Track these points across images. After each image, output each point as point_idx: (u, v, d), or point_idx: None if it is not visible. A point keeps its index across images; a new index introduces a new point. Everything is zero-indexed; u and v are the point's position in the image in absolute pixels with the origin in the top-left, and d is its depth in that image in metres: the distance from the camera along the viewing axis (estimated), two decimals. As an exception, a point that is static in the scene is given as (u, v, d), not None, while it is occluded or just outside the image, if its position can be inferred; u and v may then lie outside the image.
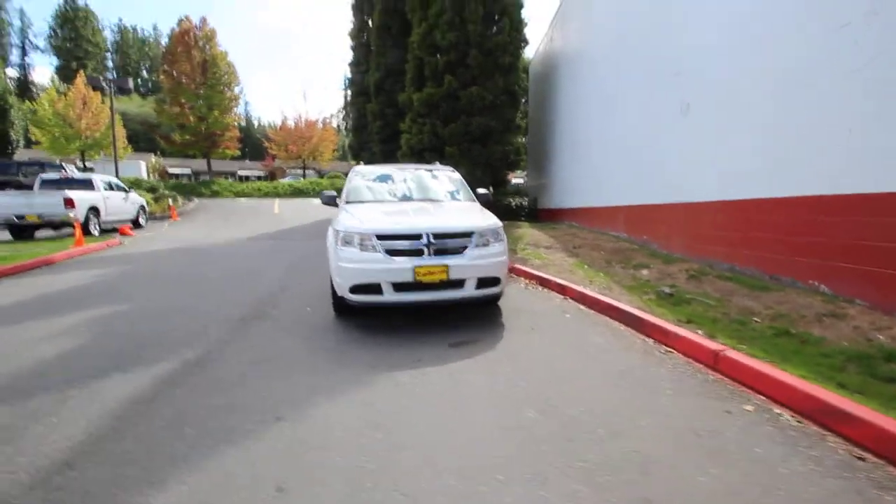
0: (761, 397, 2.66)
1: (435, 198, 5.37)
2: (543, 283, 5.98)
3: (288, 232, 14.46)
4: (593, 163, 10.47)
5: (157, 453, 2.17)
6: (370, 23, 19.28)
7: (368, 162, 20.42)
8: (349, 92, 22.13)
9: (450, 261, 4.08)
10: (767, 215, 5.07)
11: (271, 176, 45.80)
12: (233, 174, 47.45)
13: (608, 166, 9.49)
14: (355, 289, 4.05)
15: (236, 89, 29.48)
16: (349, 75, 22.99)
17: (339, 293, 4.23)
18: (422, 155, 13.64)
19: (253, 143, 53.72)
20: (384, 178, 5.71)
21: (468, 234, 4.22)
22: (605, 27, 9.84)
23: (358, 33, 20.35)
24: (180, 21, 28.06)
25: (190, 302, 5.30)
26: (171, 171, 43.43)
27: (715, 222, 5.98)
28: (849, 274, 4.08)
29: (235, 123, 30.77)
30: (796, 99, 4.69)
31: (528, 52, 16.38)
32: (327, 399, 2.73)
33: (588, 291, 5.07)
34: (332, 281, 4.45)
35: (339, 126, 50.86)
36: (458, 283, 4.10)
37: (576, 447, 2.13)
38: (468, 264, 4.12)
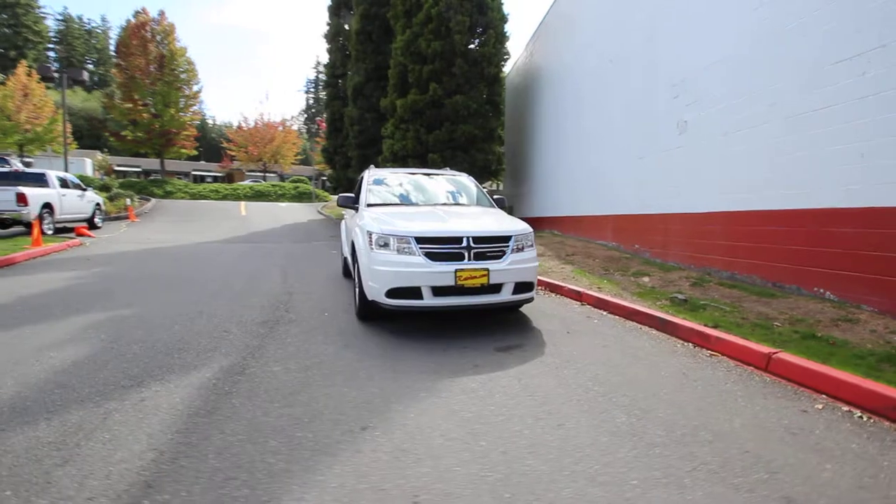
0: (823, 396, 2.79)
1: (458, 202, 5.32)
2: (555, 289, 6.05)
3: (262, 235, 13.89)
4: (577, 174, 10.78)
5: (253, 469, 1.98)
6: (347, 27, 19.04)
7: (343, 167, 20.08)
8: (324, 94, 21.65)
9: (490, 265, 4.04)
10: (771, 226, 5.38)
11: (229, 178, 44.01)
12: (186, 174, 45.17)
13: (598, 178, 9.79)
14: (393, 292, 3.92)
15: (195, 87, 28.18)
16: (312, 77, 22.53)
17: (371, 297, 4.08)
18: (405, 161, 13.56)
19: (208, 144, 51.42)
20: (402, 182, 5.61)
21: (506, 239, 4.20)
22: (594, 46, 10.19)
23: (334, 37, 20.02)
24: (136, 14, 26.56)
25: (195, 306, 4.94)
26: (118, 168, 40.80)
27: (714, 232, 6.28)
28: (855, 281, 4.39)
29: (193, 122, 29.35)
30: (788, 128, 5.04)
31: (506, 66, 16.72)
32: (408, 407, 2.60)
33: (608, 297, 5.17)
34: (358, 285, 4.29)
35: (300, 129, 49.70)
36: (497, 288, 4.07)
37: (690, 450, 2.13)
38: (507, 269, 4.10)
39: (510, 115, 15.78)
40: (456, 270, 3.92)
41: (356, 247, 4.48)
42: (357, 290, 4.50)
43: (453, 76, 13.23)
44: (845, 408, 2.63)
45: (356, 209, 5.17)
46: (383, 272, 3.96)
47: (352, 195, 5.32)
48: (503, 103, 14.35)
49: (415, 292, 3.91)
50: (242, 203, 24.29)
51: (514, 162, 15.70)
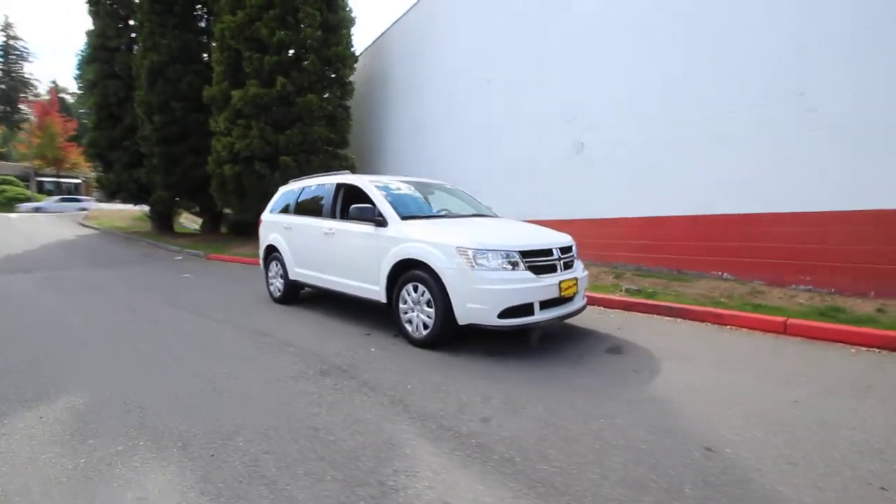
0: (839, 344, 4.04)
1: (479, 212, 5.16)
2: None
3: (30, 260, 9.85)
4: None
5: None
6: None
7: (128, 166, 15.53)
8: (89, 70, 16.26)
9: (577, 274, 4.20)
10: (669, 228, 7.05)
11: None
12: None
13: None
14: (506, 312, 3.67)
15: None
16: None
17: (471, 320, 3.71)
18: (250, 163, 11.69)
19: None
20: (410, 190, 5.09)
21: (573, 248, 4.42)
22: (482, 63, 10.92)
23: (97, -1, 15.35)
24: None
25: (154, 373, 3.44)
26: None
27: (619, 234, 7.76)
28: (752, 264, 6.23)
29: None
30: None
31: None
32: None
33: (603, 295, 5.90)
34: (448, 308, 3.79)
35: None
36: (575, 296, 4.25)
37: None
38: (582, 276, 4.33)
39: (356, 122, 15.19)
40: (560, 282, 3.94)
41: (431, 264, 3.90)
42: (436, 312, 3.90)
43: (304, 72, 12.11)
44: (867, 349, 3.92)
45: (377, 223, 4.46)
46: (495, 291, 3.65)
47: (369, 206, 4.54)
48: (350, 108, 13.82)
49: (527, 309, 3.75)
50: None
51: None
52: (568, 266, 4.17)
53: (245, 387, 3.17)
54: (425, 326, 4.00)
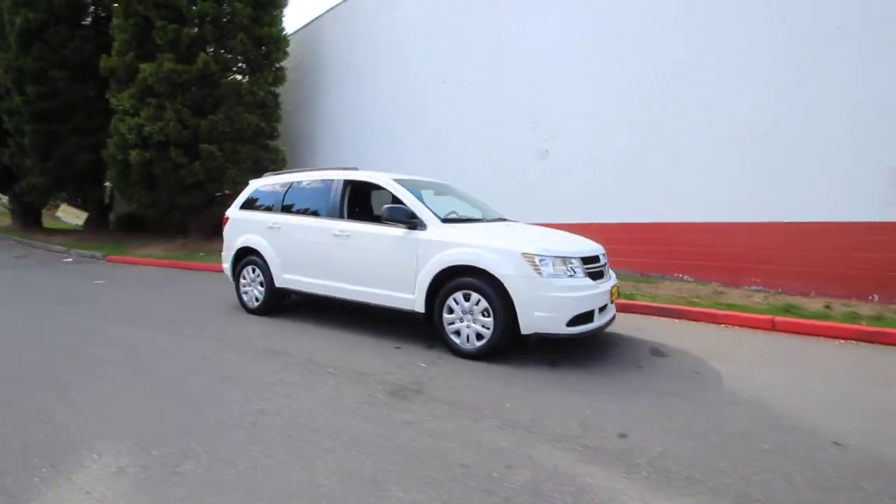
0: (821, 337, 4.66)
1: (502, 216, 5.00)
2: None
3: None
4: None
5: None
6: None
7: (15, 151, 12.18)
8: None
9: (615, 280, 4.29)
10: (635, 233, 7.58)
11: None
12: None
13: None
14: (574, 320, 3.61)
15: None
16: None
17: (536, 329, 3.58)
18: (164, 149, 10.09)
19: None
20: (438, 193, 4.77)
21: (605, 255, 4.49)
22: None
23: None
24: None
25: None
26: None
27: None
28: (708, 267, 6.94)
29: None
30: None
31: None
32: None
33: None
34: (511, 318, 3.60)
35: None
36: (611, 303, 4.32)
37: None
38: (616, 282, 4.43)
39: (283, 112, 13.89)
40: (612, 288, 3.99)
41: (492, 271, 3.65)
42: (496, 321, 3.65)
43: (231, 51, 10.82)
44: (842, 341, 4.57)
45: (411, 225, 4.09)
46: (565, 299, 3.56)
47: (401, 206, 4.14)
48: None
49: (589, 316, 3.72)
50: None
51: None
52: (607, 272, 4.24)
53: (328, 422, 2.66)
54: (479, 337, 3.76)
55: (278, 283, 5.02)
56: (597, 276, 3.94)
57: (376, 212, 5.54)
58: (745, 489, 2.07)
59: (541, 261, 3.58)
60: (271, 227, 5.10)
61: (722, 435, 2.58)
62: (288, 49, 11.96)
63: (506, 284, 3.60)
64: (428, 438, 2.49)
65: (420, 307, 4.02)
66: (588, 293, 3.69)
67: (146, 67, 9.91)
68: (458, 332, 3.85)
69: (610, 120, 7.68)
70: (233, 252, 5.46)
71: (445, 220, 4.11)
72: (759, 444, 2.48)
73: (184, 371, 3.47)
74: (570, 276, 3.67)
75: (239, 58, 11.08)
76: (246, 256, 5.35)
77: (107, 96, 10.31)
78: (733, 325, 5.11)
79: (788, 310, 5.40)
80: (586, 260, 3.88)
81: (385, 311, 4.31)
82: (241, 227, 5.43)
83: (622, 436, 2.55)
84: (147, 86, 10.02)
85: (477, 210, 5.06)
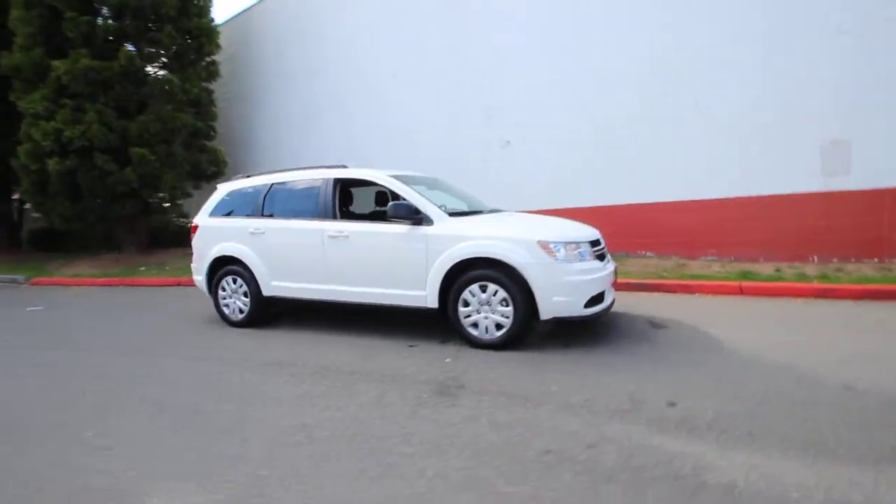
0: (789, 297, 5.19)
1: (496, 207, 5.02)
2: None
3: None
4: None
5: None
6: None
7: None
8: None
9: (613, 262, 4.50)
10: (601, 216, 7.95)
11: None
12: None
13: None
14: (591, 301, 3.75)
15: None
16: None
17: (555, 314, 3.69)
18: (88, 156, 9.06)
19: None
20: (430, 187, 4.69)
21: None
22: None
23: None
24: None
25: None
26: None
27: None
28: (669, 242, 7.45)
29: None
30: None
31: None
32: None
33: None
34: (530, 304, 3.67)
35: None
36: (611, 284, 4.53)
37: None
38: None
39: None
40: (615, 269, 4.18)
41: (509, 261, 3.67)
42: (515, 310, 3.70)
43: (157, 44, 9.92)
44: (805, 299, 5.12)
45: (415, 221, 4.02)
46: (582, 281, 3.69)
47: (407, 203, 4.05)
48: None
49: (601, 296, 3.89)
50: None
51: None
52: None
53: (389, 428, 2.57)
54: (498, 327, 3.80)
55: (266, 292, 4.73)
56: (601, 258, 4.11)
57: (364, 210, 5.40)
58: (804, 436, 2.28)
59: (555, 247, 3.67)
60: (253, 233, 4.78)
61: (755, 393, 2.81)
62: (220, 41, 11.16)
63: (524, 273, 3.65)
64: (499, 431, 2.49)
65: (433, 303, 3.97)
66: (599, 275, 3.85)
67: (60, 65, 8.81)
68: (475, 324, 3.86)
69: (571, 110, 7.98)
70: (207, 263, 5.05)
71: (452, 214, 4.09)
72: (790, 397, 2.73)
73: (199, 397, 3.18)
74: (582, 259, 3.80)
75: (165, 52, 10.16)
76: (224, 266, 4.97)
77: (11, 98, 9.03)
78: (706, 293, 5.56)
79: (746, 276, 5.95)
80: (593, 243, 4.03)
81: (395, 311, 4.21)
82: (216, 234, 5.05)
83: (671, 404, 2.70)
84: (61, 85, 8.91)
85: (471, 203, 5.05)
